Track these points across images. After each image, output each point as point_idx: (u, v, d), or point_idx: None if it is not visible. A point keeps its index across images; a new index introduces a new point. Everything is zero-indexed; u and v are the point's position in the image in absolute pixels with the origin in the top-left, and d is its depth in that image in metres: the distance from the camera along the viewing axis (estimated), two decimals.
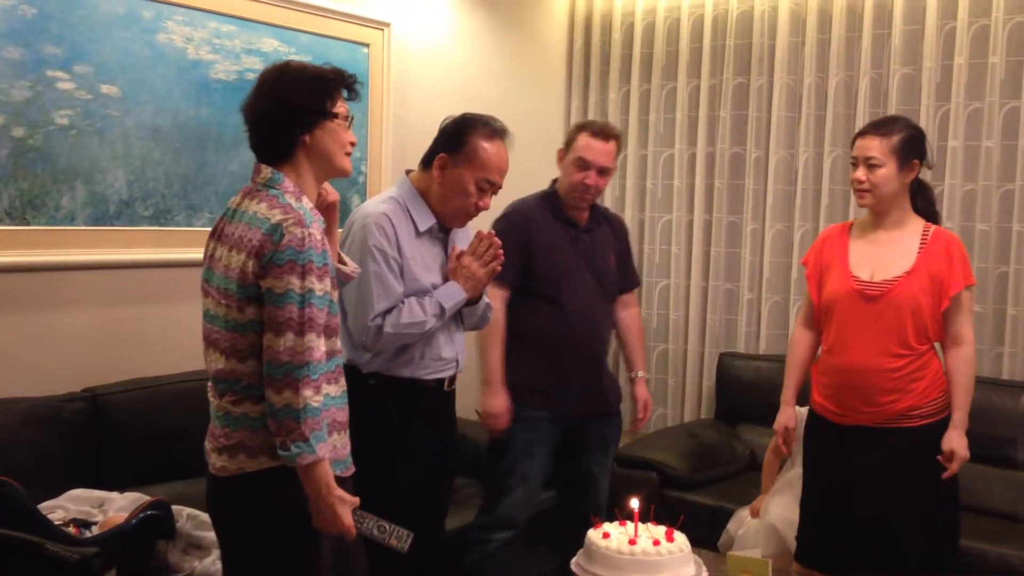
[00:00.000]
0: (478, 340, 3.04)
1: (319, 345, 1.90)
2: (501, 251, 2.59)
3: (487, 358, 2.99)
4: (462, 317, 2.66)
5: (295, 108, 1.97)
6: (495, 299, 2.99)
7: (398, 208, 2.54)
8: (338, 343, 2.08)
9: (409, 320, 2.47)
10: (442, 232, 2.62)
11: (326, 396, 1.98)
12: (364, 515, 2.02)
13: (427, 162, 2.59)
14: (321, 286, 1.91)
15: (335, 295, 2.01)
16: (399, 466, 2.54)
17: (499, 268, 2.62)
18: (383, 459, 2.49)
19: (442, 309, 2.51)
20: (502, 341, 2.99)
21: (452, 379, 2.68)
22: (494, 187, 2.56)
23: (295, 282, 1.88)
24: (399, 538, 2.07)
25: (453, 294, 2.55)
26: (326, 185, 2.17)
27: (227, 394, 1.98)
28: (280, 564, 1.99)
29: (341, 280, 2.24)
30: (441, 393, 2.65)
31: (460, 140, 2.53)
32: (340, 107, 2.03)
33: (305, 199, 1.99)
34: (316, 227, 1.93)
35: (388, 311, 2.47)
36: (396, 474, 2.52)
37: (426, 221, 2.56)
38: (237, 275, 1.93)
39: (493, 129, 2.56)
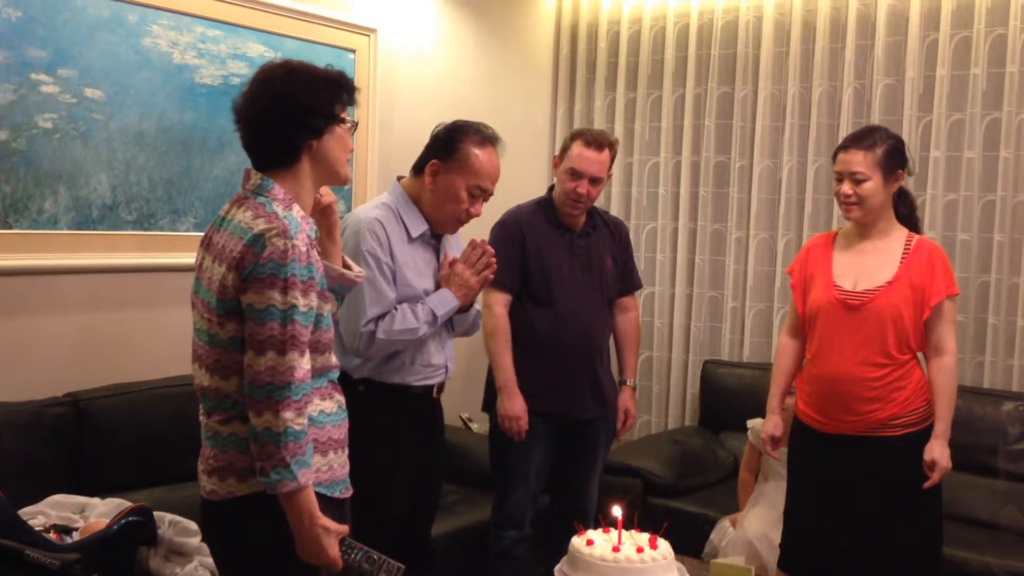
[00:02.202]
0: (486, 346, 3.07)
1: (302, 364, 1.79)
2: (494, 259, 2.61)
3: (499, 363, 3.02)
4: (452, 324, 2.67)
5: (306, 111, 1.86)
6: (498, 304, 3.02)
7: (390, 214, 2.54)
8: (332, 358, 1.98)
9: (402, 327, 2.47)
10: (434, 238, 2.63)
11: (320, 413, 1.92)
12: (352, 545, 1.90)
13: (419, 168, 2.60)
14: (305, 301, 1.80)
15: (326, 308, 1.92)
16: (387, 472, 2.54)
17: (492, 277, 2.63)
18: (371, 465, 2.45)
19: (434, 316, 2.51)
20: (509, 345, 3.03)
21: (441, 386, 2.68)
22: (486, 194, 2.57)
23: (277, 297, 1.77)
24: (389, 571, 1.92)
25: (445, 301, 2.55)
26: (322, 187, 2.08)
27: (215, 413, 1.89)
28: None
29: (345, 287, 2.15)
30: (430, 400, 2.66)
31: (452, 147, 2.54)
32: (343, 113, 1.94)
33: (296, 207, 1.88)
34: (302, 238, 1.82)
35: (381, 317, 2.47)
36: (383, 480, 2.53)
37: (418, 227, 2.57)
38: (217, 288, 1.83)
39: (485, 136, 2.57)
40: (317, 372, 1.91)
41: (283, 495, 1.78)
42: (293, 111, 1.86)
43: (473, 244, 2.60)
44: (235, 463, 1.86)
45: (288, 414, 1.76)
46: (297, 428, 1.77)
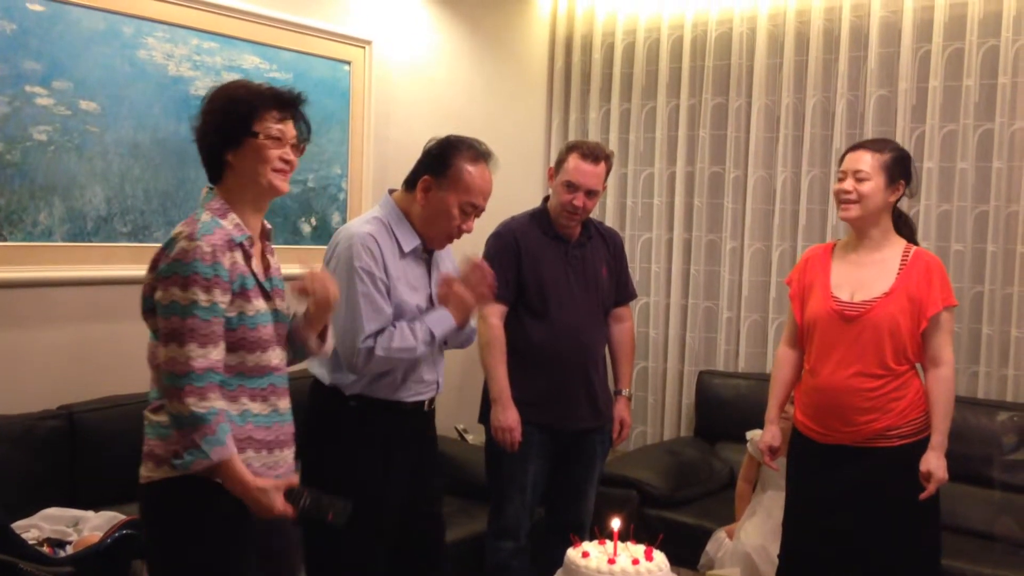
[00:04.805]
0: (481, 357, 3.06)
1: (204, 355, 1.91)
2: (493, 280, 2.60)
3: (493, 374, 3.01)
4: (446, 339, 2.66)
5: (216, 126, 2.01)
6: (494, 315, 3.01)
7: (383, 228, 2.53)
8: (273, 360, 2.07)
9: (400, 345, 2.46)
10: (426, 252, 2.62)
11: (245, 412, 2.00)
12: (300, 492, 2.02)
13: (411, 183, 2.59)
14: (207, 297, 1.91)
15: (250, 308, 2.00)
16: (380, 486, 2.53)
17: (489, 296, 2.62)
18: (365, 479, 2.49)
19: (432, 336, 2.51)
20: (504, 356, 3.02)
21: (432, 400, 2.68)
22: (477, 210, 2.56)
23: (177, 293, 1.91)
24: (336, 511, 2.06)
25: (443, 321, 2.54)
26: (310, 285, 2.13)
27: (152, 403, 2.03)
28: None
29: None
30: (421, 413, 2.65)
31: (445, 163, 2.52)
32: (269, 125, 2.02)
33: (232, 216, 2.01)
34: (210, 239, 1.93)
35: (379, 333, 2.46)
36: (377, 494, 2.52)
37: (410, 242, 2.56)
38: (144, 289, 2.02)
39: (478, 152, 2.55)
40: (252, 372, 2.02)
41: (210, 470, 1.92)
42: (211, 126, 2.03)
43: (472, 264, 2.58)
44: (154, 449, 2.00)
45: (190, 399, 1.89)
46: (202, 411, 1.89)
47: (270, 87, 2.07)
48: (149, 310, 2.00)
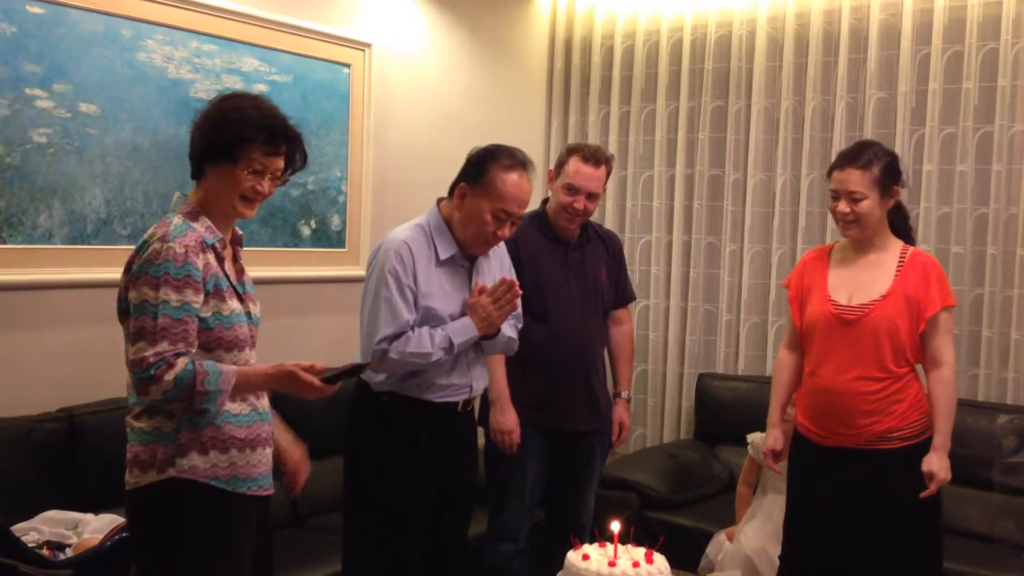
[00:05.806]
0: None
1: (173, 349, 1.91)
2: (520, 299, 2.61)
3: (492, 376, 3.01)
4: (481, 347, 2.68)
5: (204, 136, 2.03)
6: None
7: (422, 236, 2.58)
8: (250, 359, 2.09)
9: (415, 350, 2.50)
10: (467, 260, 2.64)
11: (225, 413, 2.01)
12: (330, 370, 2.05)
13: (452, 191, 2.63)
14: (178, 297, 1.93)
15: (227, 308, 2.02)
16: (407, 482, 2.58)
17: (514, 308, 2.62)
18: (394, 473, 2.56)
19: (451, 343, 2.53)
20: (503, 358, 3.02)
21: (466, 402, 2.70)
22: (512, 217, 2.58)
23: (149, 293, 1.93)
24: (360, 367, 2.21)
25: (464, 330, 2.56)
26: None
27: (132, 409, 2.04)
28: None
29: None
30: (454, 414, 2.67)
31: (481, 171, 2.57)
32: (253, 158, 2.01)
33: (204, 219, 2.03)
34: (182, 241, 1.95)
35: (396, 337, 2.49)
36: (404, 490, 2.57)
37: (447, 250, 2.60)
38: (119, 291, 2.03)
39: (515, 161, 2.59)
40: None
41: (232, 395, 1.96)
42: (201, 133, 2.05)
43: (504, 281, 2.60)
44: (139, 455, 2.01)
45: (166, 376, 1.89)
46: (180, 372, 1.90)
47: (271, 119, 2.04)
48: (124, 312, 2.01)
